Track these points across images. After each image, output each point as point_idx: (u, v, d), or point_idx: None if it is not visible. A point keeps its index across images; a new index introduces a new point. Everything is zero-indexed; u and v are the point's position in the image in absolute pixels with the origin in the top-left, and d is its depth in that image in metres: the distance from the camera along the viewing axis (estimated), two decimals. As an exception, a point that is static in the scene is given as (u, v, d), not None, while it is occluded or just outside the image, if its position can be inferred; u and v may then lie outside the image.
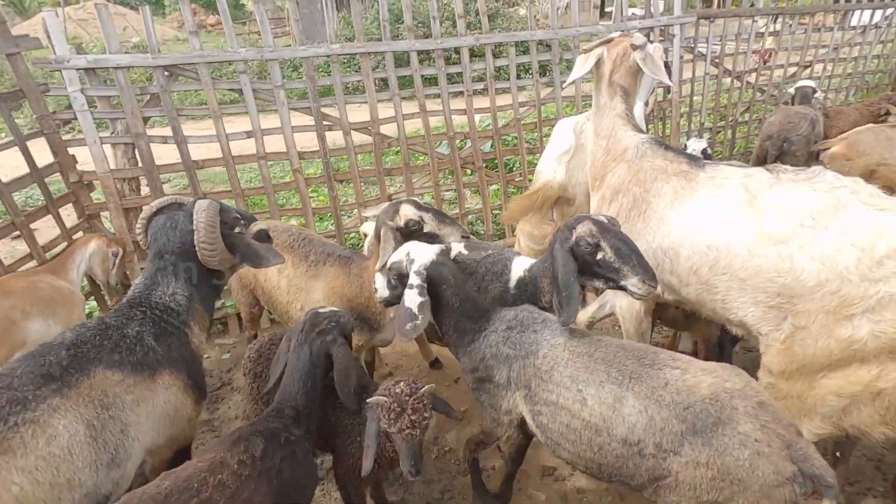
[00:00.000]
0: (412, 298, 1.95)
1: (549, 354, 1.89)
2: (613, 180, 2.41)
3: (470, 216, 4.97)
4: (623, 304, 2.49)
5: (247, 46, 4.16)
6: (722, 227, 2.01)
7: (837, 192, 1.86)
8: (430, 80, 4.51)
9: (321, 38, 16.61)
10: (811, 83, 5.33)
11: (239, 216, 2.17)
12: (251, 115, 3.83)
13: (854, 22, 7.12)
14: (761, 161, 4.82)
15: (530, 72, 4.71)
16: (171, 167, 3.80)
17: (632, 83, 2.50)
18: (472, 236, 2.50)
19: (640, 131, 2.50)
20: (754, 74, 6.16)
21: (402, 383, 1.80)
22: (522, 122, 4.83)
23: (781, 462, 1.52)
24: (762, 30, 5.93)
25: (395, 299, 2.15)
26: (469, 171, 5.00)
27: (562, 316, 1.90)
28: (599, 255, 1.94)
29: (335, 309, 2.14)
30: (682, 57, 5.39)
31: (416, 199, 2.61)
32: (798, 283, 1.82)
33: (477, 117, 4.90)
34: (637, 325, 2.51)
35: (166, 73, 3.61)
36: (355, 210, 4.44)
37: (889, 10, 6.87)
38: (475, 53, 4.58)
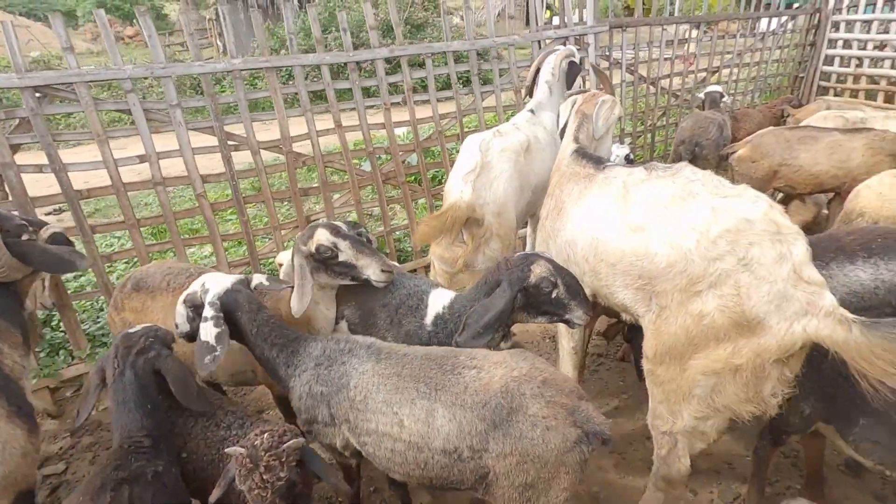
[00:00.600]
0: (208, 330, 1.93)
1: (360, 384, 1.91)
2: (551, 186, 2.63)
3: (397, 232, 4.81)
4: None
5: (134, 63, 3.81)
6: (601, 219, 2.22)
7: (691, 185, 2.07)
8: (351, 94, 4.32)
9: (245, 51, 16.00)
10: (719, 88, 5.57)
11: (26, 222, 2.11)
12: (143, 137, 3.49)
13: (762, 28, 7.60)
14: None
15: (467, 82, 4.66)
16: (50, 198, 3.39)
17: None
18: (393, 270, 2.31)
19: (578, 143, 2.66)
20: (667, 80, 6.38)
21: (266, 434, 1.60)
22: (445, 133, 4.74)
23: (567, 429, 1.71)
24: (676, 37, 6.16)
25: (196, 332, 2.04)
26: (393, 187, 4.84)
27: (462, 336, 2.01)
28: (554, 294, 2.06)
29: (147, 325, 2.01)
30: (598, 64, 5.50)
31: (338, 222, 2.43)
32: (653, 265, 2.01)
33: (402, 130, 4.77)
34: (575, 340, 2.68)
35: (38, 94, 3.22)
36: (272, 234, 4.15)
37: (783, 18, 7.36)
38: (411, 63, 4.44)
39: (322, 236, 2.24)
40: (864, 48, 7.29)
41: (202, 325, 1.95)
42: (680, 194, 2.05)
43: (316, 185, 4.31)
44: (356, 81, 4.15)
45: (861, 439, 1.95)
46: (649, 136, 6.56)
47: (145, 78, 3.63)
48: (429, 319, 2.28)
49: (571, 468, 1.75)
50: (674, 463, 2.21)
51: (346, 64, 4.14)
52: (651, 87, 6.26)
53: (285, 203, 5.66)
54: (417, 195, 4.86)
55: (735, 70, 7.16)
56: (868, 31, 7.20)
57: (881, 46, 7.08)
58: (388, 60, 4.27)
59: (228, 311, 2.01)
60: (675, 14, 6.10)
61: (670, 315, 1.99)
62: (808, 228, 4.80)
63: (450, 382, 1.82)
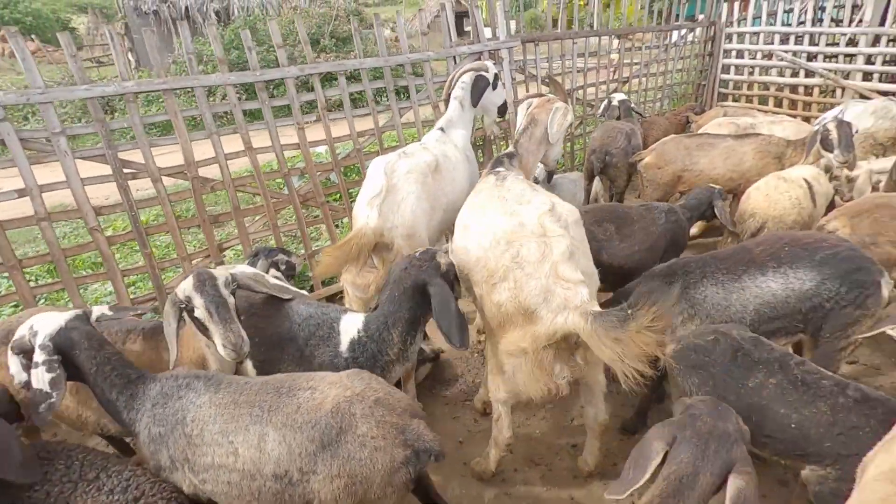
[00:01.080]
0: (40, 376, 1.78)
1: (197, 417, 1.84)
2: None
3: (319, 255, 4.66)
4: None
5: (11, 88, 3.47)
6: (462, 222, 2.54)
7: (506, 192, 2.43)
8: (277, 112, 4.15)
9: (167, 67, 15.14)
10: (624, 97, 5.85)
11: None
12: (21, 170, 3.18)
13: (673, 40, 8.09)
14: (590, 173, 5.16)
15: (395, 95, 4.60)
16: None
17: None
18: (242, 347, 2.04)
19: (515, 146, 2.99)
20: (582, 90, 6.65)
21: None
22: (364, 151, 4.67)
23: (395, 449, 1.72)
24: (587, 49, 6.44)
25: None
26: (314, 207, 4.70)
27: (457, 339, 2.05)
28: (453, 277, 2.26)
29: None
30: (514, 79, 5.64)
31: (218, 271, 2.25)
32: (469, 259, 2.35)
33: (323, 149, 4.65)
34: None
35: None
36: (182, 265, 3.90)
37: (684, 31, 7.89)
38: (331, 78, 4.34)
39: (182, 286, 2.10)
40: (754, 57, 7.95)
41: (33, 370, 1.79)
42: (496, 199, 2.42)
43: (229, 210, 4.10)
44: (266, 101, 4.01)
45: (754, 435, 2.04)
46: (568, 145, 6.80)
47: (23, 105, 3.31)
48: (344, 347, 2.20)
49: (398, 488, 1.76)
50: (501, 429, 2.50)
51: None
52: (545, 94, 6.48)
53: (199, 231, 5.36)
54: (340, 215, 4.75)
55: (644, 79, 7.59)
56: (756, 42, 7.85)
57: (768, 56, 7.74)
58: (302, 79, 4.15)
59: (64, 352, 1.85)
60: (595, 27, 6.41)
61: (483, 302, 2.29)
62: (710, 229, 5.14)
63: (283, 404, 1.79)
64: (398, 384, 3.22)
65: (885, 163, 4.40)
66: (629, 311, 1.84)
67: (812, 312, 2.46)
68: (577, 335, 2.00)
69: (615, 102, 5.74)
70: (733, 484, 1.54)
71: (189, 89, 3.78)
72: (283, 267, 3.35)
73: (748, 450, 1.70)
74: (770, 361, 2.11)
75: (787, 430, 1.98)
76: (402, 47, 4.65)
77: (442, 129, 3.47)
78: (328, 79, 7.64)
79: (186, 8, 17.74)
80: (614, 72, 7.23)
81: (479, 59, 5.09)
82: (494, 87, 3.99)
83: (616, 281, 3.10)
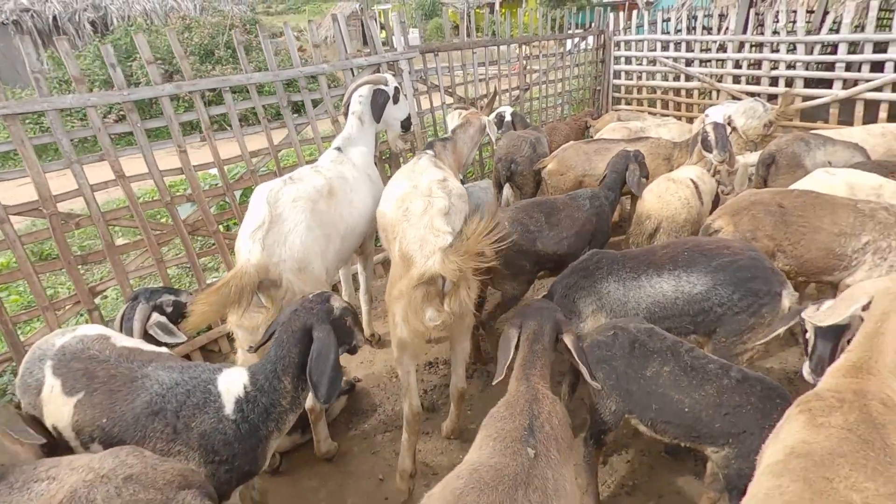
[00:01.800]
0: None
1: None
2: None
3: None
4: None
5: None
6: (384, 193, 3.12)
7: (416, 167, 3.14)
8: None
9: (23, 83, 13.44)
10: (513, 109, 5.97)
11: None
12: None
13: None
14: (498, 182, 5.19)
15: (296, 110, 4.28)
16: None
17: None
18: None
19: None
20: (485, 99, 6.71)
21: None
22: (259, 172, 4.34)
23: None
24: (488, 58, 6.52)
25: None
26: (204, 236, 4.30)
27: (322, 393, 1.90)
28: (348, 322, 2.17)
29: None
30: (416, 89, 5.55)
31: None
32: (386, 220, 2.87)
33: (215, 171, 4.25)
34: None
35: None
36: (43, 316, 3.36)
37: (576, 39, 8.26)
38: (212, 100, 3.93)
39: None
40: (641, 63, 8.51)
41: None
42: (408, 172, 3.06)
43: (101, 248, 3.61)
44: (137, 123, 3.58)
45: (657, 422, 2.21)
46: (476, 153, 6.84)
47: None
48: (230, 409, 1.93)
49: None
50: (407, 400, 2.65)
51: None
52: (472, 108, 6.52)
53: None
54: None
55: (544, 86, 7.85)
56: (642, 49, 8.41)
57: (653, 62, 8.31)
58: (178, 97, 3.76)
59: None
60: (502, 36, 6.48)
61: (392, 253, 2.65)
62: (616, 226, 5.36)
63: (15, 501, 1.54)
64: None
65: (756, 157, 4.83)
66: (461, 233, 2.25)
67: (700, 315, 2.54)
68: (443, 279, 2.32)
69: (507, 117, 5.84)
70: (566, 338, 2.19)
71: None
72: (169, 309, 2.98)
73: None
74: (663, 350, 2.24)
75: (682, 414, 2.11)
76: (294, 60, 4.38)
77: (339, 149, 3.27)
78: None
79: (55, 17, 15.95)
80: (525, 72, 7.38)
81: (378, 70, 4.97)
82: (396, 101, 3.85)
83: (553, 267, 3.38)
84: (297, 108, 4.73)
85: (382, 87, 3.71)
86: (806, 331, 2.13)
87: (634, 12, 8.35)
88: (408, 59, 5.21)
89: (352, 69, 4.80)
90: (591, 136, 6.00)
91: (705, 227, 3.21)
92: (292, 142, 4.47)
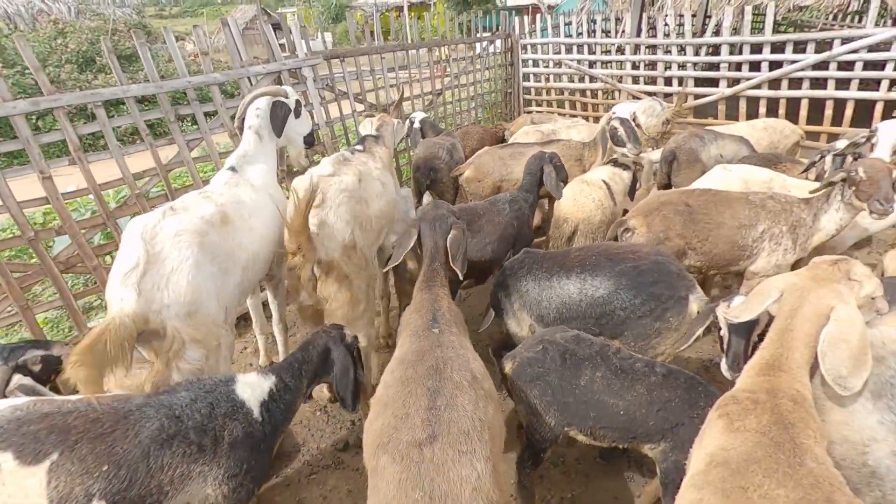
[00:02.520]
0: None
1: None
2: None
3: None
4: None
5: None
6: None
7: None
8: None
9: None
10: (424, 115, 5.86)
11: None
12: None
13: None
14: (418, 190, 5.04)
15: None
16: None
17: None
18: None
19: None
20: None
21: None
22: (151, 195, 3.86)
23: None
24: (396, 63, 6.34)
25: None
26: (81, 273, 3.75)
27: (349, 404, 2.31)
28: (356, 353, 2.42)
29: None
30: (322, 97, 5.25)
31: None
32: None
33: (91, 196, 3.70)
34: None
35: None
36: None
37: (485, 43, 8.32)
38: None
39: None
40: (548, 66, 8.75)
41: None
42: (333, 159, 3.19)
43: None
44: (-20, 148, 3.02)
45: (595, 429, 2.20)
46: (393, 161, 6.64)
47: None
48: (257, 412, 1.97)
49: None
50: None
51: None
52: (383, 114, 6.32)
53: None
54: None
55: (456, 91, 7.81)
56: (548, 52, 8.64)
57: (558, 64, 8.57)
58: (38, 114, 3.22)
59: None
60: (412, 40, 6.29)
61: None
62: (537, 229, 5.40)
63: None
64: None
65: (658, 154, 5.07)
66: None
67: (604, 318, 2.59)
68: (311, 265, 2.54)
69: (416, 124, 5.72)
70: (451, 235, 2.51)
71: None
72: (36, 367, 2.51)
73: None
74: (593, 356, 2.24)
75: (618, 417, 2.13)
76: (179, 69, 3.94)
77: (233, 168, 2.93)
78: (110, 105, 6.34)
79: None
80: (438, 77, 7.27)
81: (279, 79, 4.63)
82: (298, 115, 3.57)
83: (478, 275, 3.43)
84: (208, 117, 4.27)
85: (282, 99, 3.41)
86: (720, 327, 2.18)
87: (538, 16, 8.56)
88: (311, 65, 4.91)
89: (248, 78, 4.42)
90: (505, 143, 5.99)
91: (618, 223, 3.25)
92: (184, 159, 4.02)
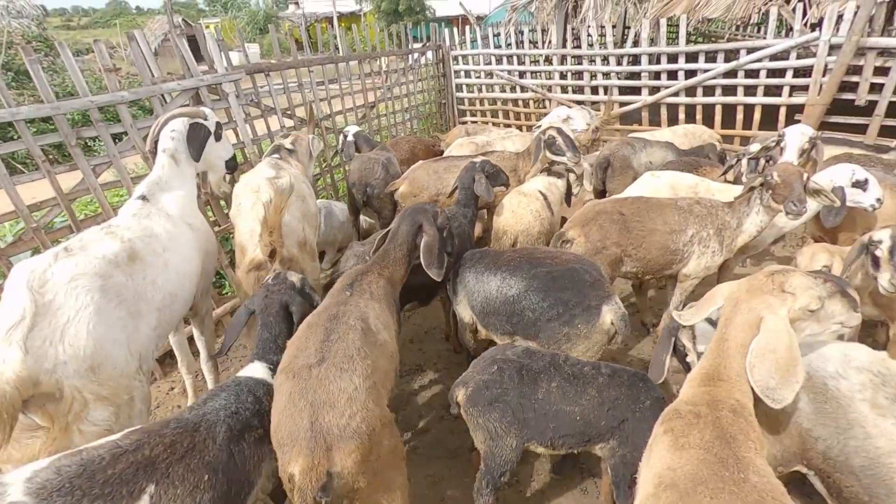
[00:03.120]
0: None
1: None
2: None
3: None
4: None
5: None
6: None
7: (263, 167, 3.39)
8: None
9: None
10: (358, 129, 5.74)
11: None
12: None
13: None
14: (354, 207, 4.88)
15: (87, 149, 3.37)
16: None
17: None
18: None
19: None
20: (330, 119, 6.35)
21: None
22: (55, 227, 3.45)
23: None
24: (325, 77, 6.15)
25: None
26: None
27: None
28: (308, 289, 2.59)
29: None
30: (248, 114, 4.98)
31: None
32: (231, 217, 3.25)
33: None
34: None
35: None
36: None
37: (416, 55, 8.29)
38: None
39: None
40: (480, 76, 8.84)
41: None
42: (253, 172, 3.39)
43: None
44: None
45: (555, 439, 2.21)
46: (329, 177, 6.43)
47: None
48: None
49: None
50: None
51: None
52: (317, 129, 6.10)
53: None
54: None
55: (390, 103, 7.71)
56: (479, 63, 8.74)
57: (489, 75, 8.69)
58: None
59: None
60: (343, 52, 6.09)
61: None
62: (479, 241, 5.38)
63: None
64: None
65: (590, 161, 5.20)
66: None
67: (514, 317, 2.70)
68: (271, 264, 2.70)
69: (350, 137, 5.58)
70: (423, 241, 2.68)
71: None
72: None
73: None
74: (546, 368, 2.24)
75: (575, 423, 2.16)
76: (80, 88, 3.57)
77: (144, 198, 2.65)
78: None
79: None
80: (384, 83, 7.11)
81: (196, 97, 4.33)
82: (219, 138, 3.32)
83: (424, 297, 3.46)
84: (117, 139, 3.87)
85: (201, 120, 3.17)
86: (685, 353, 2.28)
87: (467, 27, 8.64)
88: (233, 80, 4.63)
89: (161, 95, 4.09)
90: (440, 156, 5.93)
91: (557, 235, 3.26)
92: (90, 186, 3.64)
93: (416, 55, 8.23)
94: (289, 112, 5.68)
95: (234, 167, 3.48)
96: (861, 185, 3.34)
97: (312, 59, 6.00)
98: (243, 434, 1.86)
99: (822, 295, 1.76)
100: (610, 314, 2.51)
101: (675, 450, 1.53)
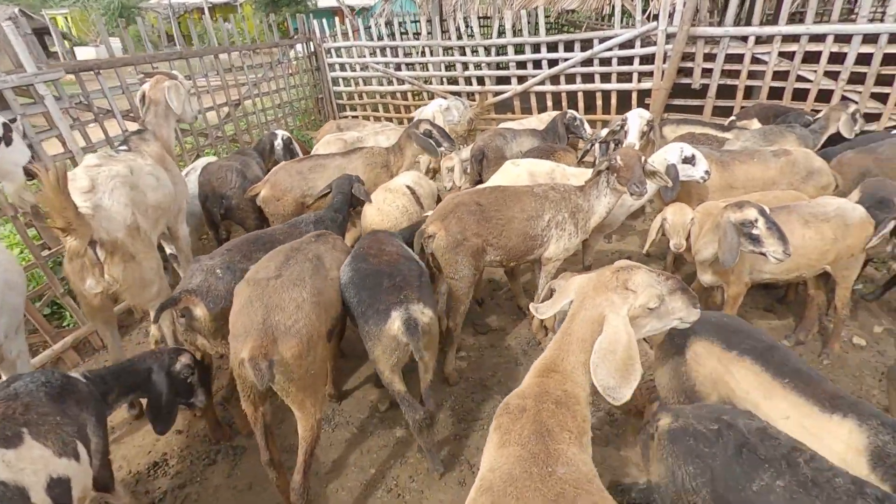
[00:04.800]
0: None
1: None
2: None
3: None
4: None
5: None
6: None
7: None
8: None
9: None
10: (282, 132, 5.40)
11: None
12: None
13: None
14: (211, 222, 4.44)
15: None
16: None
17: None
18: None
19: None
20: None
21: None
22: None
23: None
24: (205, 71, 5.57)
25: None
26: None
27: (160, 428, 2.61)
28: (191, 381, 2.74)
29: None
30: (75, 119, 4.36)
31: None
32: None
33: None
34: None
35: None
36: None
37: (284, 48, 7.84)
38: None
39: None
40: (356, 70, 8.60)
41: None
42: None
43: None
44: None
45: None
46: (173, 150, 5.87)
47: None
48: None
49: None
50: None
51: None
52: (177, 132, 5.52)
53: None
54: None
55: (259, 100, 7.23)
56: (353, 56, 8.48)
57: (365, 67, 8.47)
58: None
59: None
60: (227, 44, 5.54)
61: None
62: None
63: None
64: None
65: (467, 152, 5.26)
66: None
67: (345, 305, 2.75)
68: (94, 249, 2.69)
69: (279, 141, 5.34)
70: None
71: None
72: None
73: None
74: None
75: None
76: None
77: None
78: None
79: None
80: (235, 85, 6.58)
81: (0, 98, 3.69)
82: (9, 143, 2.83)
83: None
84: None
85: None
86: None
87: (337, 19, 8.34)
88: (49, 80, 4.01)
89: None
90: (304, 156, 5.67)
91: (419, 233, 3.21)
92: None
93: (284, 48, 7.79)
94: (132, 114, 5.07)
95: (32, 173, 2.98)
96: (690, 160, 3.68)
97: (155, 55, 5.42)
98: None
99: (663, 293, 1.77)
100: (398, 320, 2.43)
101: (499, 448, 1.53)
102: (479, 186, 3.67)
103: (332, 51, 8.54)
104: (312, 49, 8.49)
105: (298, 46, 8.24)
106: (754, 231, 2.84)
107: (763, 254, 2.86)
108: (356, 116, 8.94)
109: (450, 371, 3.53)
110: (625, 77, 6.62)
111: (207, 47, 6.12)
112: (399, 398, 2.57)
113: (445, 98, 7.11)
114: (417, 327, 2.42)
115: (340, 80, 8.80)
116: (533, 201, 3.35)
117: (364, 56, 8.37)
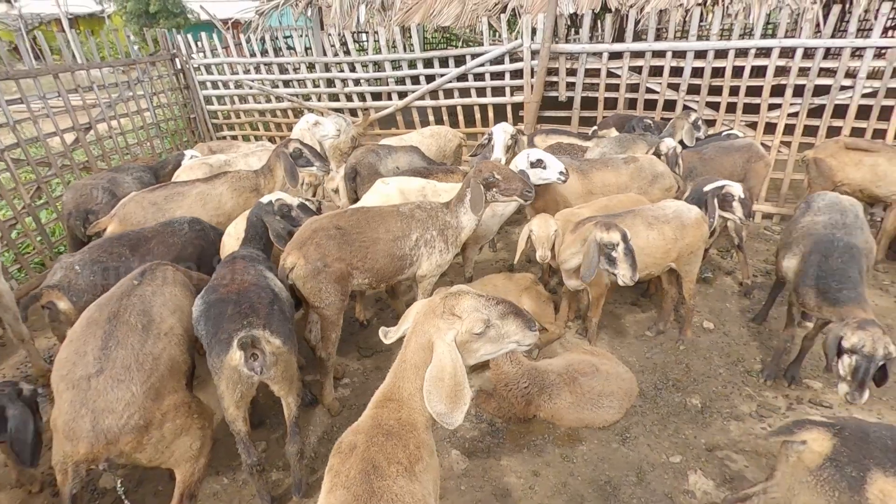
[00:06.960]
0: None
1: None
2: None
3: None
4: None
5: None
6: None
7: None
8: None
9: None
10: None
11: None
12: None
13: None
14: (75, 240, 4.08)
15: None
16: None
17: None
18: None
19: None
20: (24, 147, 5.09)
21: None
22: None
23: None
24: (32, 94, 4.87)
25: None
26: None
27: (27, 459, 2.40)
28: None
29: None
30: None
31: None
32: None
33: None
34: None
35: None
36: None
37: (144, 66, 7.22)
38: None
39: None
40: (229, 87, 8.14)
41: None
42: None
43: None
44: None
45: None
46: (29, 219, 5.17)
47: None
48: None
49: None
50: None
51: None
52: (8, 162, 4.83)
53: None
54: None
55: (115, 122, 6.56)
56: (225, 73, 8.00)
57: (240, 85, 8.05)
58: None
59: None
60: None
61: None
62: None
63: None
64: None
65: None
66: None
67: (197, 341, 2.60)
68: None
69: (188, 161, 4.82)
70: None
71: None
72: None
73: None
74: None
75: None
76: None
77: None
78: None
79: None
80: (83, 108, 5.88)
81: None
82: None
83: None
84: None
85: None
86: None
87: (203, 34, 7.85)
88: None
89: None
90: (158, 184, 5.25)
91: (281, 268, 3.04)
92: None
93: (142, 66, 7.16)
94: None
95: None
96: (538, 164, 3.90)
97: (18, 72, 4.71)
98: None
99: (491, 317, 1.74)
100: (239, 349, 2.26)
101: (328, 493, 1.48)
102: (338, 210, 3.59)
103: (203, 67, 8.02)
104: (179, 66, 7.91)
105: (159, 65, 7.61)
106: (613, 254, 3.16)
107: (614, 274, 3.22)
108: (235, 137, 8.46)
109: (329, 402, 3.39)
110: (499, 91, 6.89)
111: (40, 68, 5.42)
112: (238, 438, 2.47)
113: (321, 114, 6.94)
114: (263, 356, 2.27)
115: (214, 99, 8.28)
116: (399, 221, 3.33)
117: (237, 73, 7.94)
